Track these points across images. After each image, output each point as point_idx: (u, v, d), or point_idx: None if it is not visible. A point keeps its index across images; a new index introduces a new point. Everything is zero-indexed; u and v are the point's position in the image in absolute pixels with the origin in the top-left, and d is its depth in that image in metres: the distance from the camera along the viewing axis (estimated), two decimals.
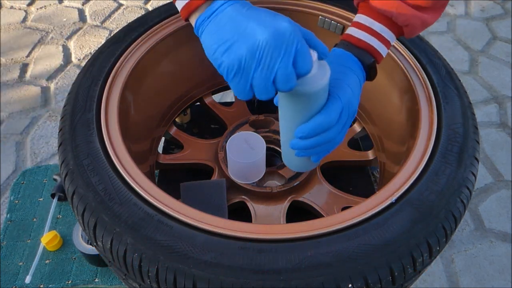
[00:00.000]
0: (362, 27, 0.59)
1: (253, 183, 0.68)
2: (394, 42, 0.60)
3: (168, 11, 0.72)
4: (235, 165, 0.66)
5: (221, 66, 0.44)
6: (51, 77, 1.61)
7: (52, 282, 0.92)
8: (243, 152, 0.65)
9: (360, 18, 0.59)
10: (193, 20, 0.47)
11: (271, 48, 0.42)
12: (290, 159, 0.57)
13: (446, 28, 1.74)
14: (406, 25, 0.57)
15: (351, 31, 0.59)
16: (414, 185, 0.51)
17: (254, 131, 0.76)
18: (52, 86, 1.57)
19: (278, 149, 0.77)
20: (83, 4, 1.95)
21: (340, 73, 0.53)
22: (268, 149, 0.78)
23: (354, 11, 0.72)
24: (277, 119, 0.78)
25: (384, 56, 0.58)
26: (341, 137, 0.53)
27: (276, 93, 0.46)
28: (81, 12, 1.90)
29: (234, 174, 0.67)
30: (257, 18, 0.43)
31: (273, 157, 0.78)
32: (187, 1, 0.47)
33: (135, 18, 0.73)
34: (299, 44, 0.42)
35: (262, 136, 0.76)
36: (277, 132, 0.76)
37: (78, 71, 0.63)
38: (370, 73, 0.58)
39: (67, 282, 0.92)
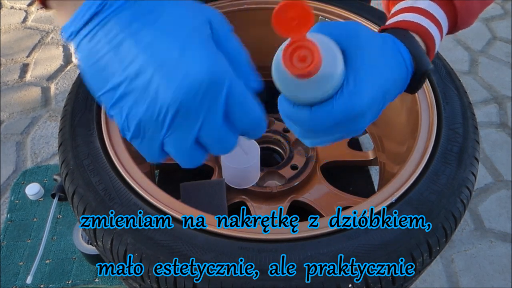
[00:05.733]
0: (397, 12, 0.44)
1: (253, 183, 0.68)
2: (446, 29, 0.45)
3: None
4: (229, 170, 0.66)
5: (112, 118, 0.31)
6: (51, 77, 1.61)
7: (52, 282, 0.92)
8: (237, 157, 0.64)
9: (395, 7, 0.45)
10: (63, 13, 0.30)
11: (182, 110, 0.28)
12: None
13: None
14: None
15: (400, 17, 0.43)
16: (414, 185, 0.51)
17: None
18: (53, 86, 1.57)
19: (278, 149, 0.78)
20: None
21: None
22: (268, 149, 0.78)
23: (354, 11, 0.72)
24: (277, 119, 0.78)
25: (435, 40, 0.42)
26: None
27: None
28: None
29: (228, 179, 0.67)
30: (156, 52, 0.27)
31: (273, 157, 0.78)
32: None
33: None
34: (231, 88, 0.29)
35: (262, 136, 0.76)
36: (277, 132, 0.76)
37: (78, 72, 0.64)
38: (417, 81, 0.40)
39: (67, 282, 0.92)
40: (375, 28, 0.69)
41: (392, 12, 0.46)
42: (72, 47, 0.30)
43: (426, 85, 0.62)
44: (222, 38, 0.32)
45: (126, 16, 0.28)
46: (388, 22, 0.44)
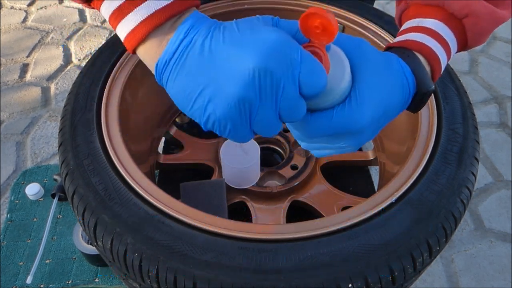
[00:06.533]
0: (404, 31, 0.44)
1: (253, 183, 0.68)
2: (455, 49, 0.44)
3: None
4: (229, 170, 0.66)
5: (209, 120, 0.33)
6: (51, 77, 1.61)
7: (52, 282, 0.92)
8: (237, 157, 0.65)
9: (403, 26, 0.45)
10: (149, 57, 0.36)
11: (268, 74, 0.31)
12: None
13: None
14: (466, 15, 0.42)
15: (408, 36, 0.43)
16: (414, 185, 0.51)
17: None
18: (53, 86, 1.57)
19: (278, 148, 0.78)
20: None
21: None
22: (268, 148, 0.78)
23: (355, 10, 0.72)
24: None
25: (441, 61, 0.42)
26: None
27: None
28: (81, 13, 1.90)
29: (228, 179, 0.67)
30: (236, 41, 0.32)
31: (273, 157, 0.78)
32: (133, 26, 0.35)
33: None
34: (299, 55, 0.32)
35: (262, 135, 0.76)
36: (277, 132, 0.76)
37: (78, 72, 0.63)
38: (418, 101, 0.41)
39: (67, 282, 0.92)
40: (375, 29, 0.69)
41: (400, 30, 0.46)
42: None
43: None
44: (283, 25, 0.35)
45: (206, 29, 0.33)
46: (394, 41, 0.44)
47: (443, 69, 0.43)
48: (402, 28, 0.46)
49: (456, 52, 0.46)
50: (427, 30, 0.42)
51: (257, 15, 0.35)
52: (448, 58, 0.44)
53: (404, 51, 0.41)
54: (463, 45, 0.45)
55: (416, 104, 0.42)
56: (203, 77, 0.32)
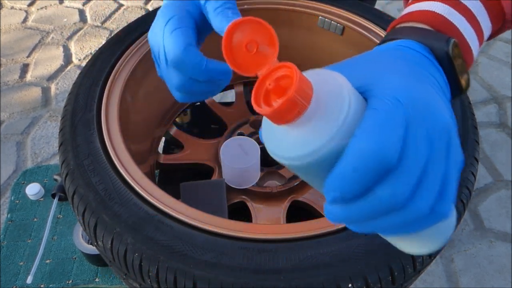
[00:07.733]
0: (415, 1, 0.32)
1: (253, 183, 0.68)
2: (488, 29, 0.31)
3: None
4: (229, 170, 0.66)
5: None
6: (51, 77, 1.61)
7: (52, 282, 0.92)
8: (237, 158, 0.65)
9: None
10: None
11: None
12: None
13: None
14: None
15: (408, 8, 0.31)
16: None
17: (254, 131, 0.77)
18: (53, 86, 1.57)
19: None
20: (83, 5, 1.95)
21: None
22: None
23: (355, 10, 0.72)
24: None
25: (470, 44, 0.30)
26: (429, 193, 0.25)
27: None
28: (81, 13, 1.91)
29: (228, 179, 0.67)
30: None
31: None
32: None
33: (136, 18, 0.73)
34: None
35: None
36: None
37: (78, 72, 0.63)
38: (452, 70, 0.28)
39: (67, 282, 0.92)
40: (375, 29, 0.69)
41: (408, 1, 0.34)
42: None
43: None
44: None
45: None
46: (402, 13, 0.32)
47: (475, 56, 0.31)
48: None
49: (488, 39, 0.33)
50: (449, 1, 0.30)
51: None
52: (480, 43, 0.31)
53: (414, 30, 0.29)
54: (497, 26, 0.33)
55: (453, 81, 0.29)
56: None
